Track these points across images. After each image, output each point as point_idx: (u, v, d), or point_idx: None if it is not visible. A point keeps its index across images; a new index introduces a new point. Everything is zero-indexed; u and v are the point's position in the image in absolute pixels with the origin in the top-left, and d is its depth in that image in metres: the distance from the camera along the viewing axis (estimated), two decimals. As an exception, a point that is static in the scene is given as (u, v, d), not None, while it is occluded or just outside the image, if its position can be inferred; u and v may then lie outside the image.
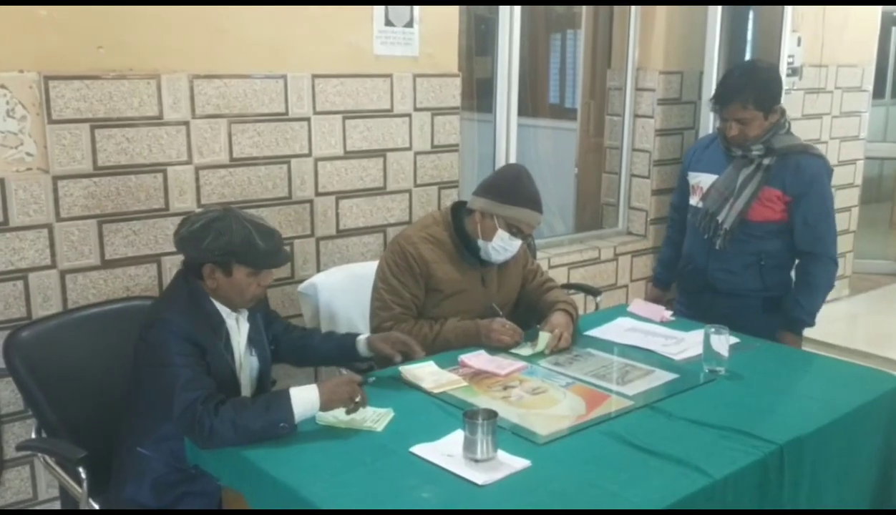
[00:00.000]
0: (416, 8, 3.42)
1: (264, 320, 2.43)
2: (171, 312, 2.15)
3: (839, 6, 5.38)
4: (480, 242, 2.70)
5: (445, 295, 2.70)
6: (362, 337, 2.45)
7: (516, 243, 2.70)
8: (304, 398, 2.01)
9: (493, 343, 2.60)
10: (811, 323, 2.94)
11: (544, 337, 2.59)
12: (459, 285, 2.72)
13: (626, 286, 4.56)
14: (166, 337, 2.10)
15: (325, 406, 2.04)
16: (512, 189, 2.67)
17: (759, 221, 2.94)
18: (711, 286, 3.02)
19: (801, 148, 2.99)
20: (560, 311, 2.73)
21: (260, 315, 2.40)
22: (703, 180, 3.07)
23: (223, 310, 2.24)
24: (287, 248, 3.17)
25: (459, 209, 2.80)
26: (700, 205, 3.06)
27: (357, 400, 2.06)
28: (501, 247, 2.68)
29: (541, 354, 2.57)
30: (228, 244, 2.14)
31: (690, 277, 3.07)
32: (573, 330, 2.70)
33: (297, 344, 2.50)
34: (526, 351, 2.59)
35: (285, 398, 2.00)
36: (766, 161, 2.91)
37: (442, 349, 2.60)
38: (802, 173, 2.91)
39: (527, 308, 2.89)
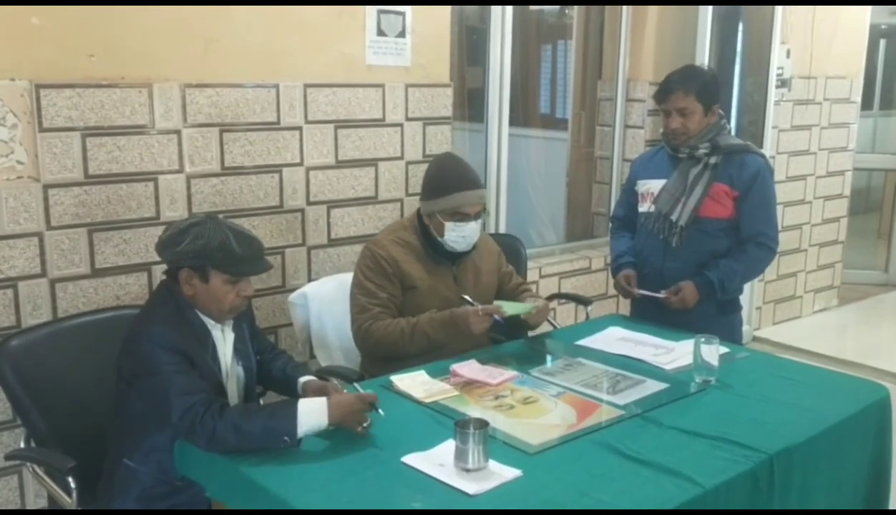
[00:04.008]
0: (409, 18, 3.44)
1: (249, 332, 2.41)
2: (157, 324, 2.12)
3: (827, 18, 5.42)
4: (441, 240, 2.75)
5: (421, 293, 2.73)
6: (303, 379, 2.36)
7: (468, 226, 2.72)
8: (312, 413, 1.98)
9: (474, 331, 2.60)
10: (718, 291, 2.98)
11: (525, 306, 2.70)
12: (433, 283, 2.75)
13: (616, 296, 4.56)
14: (154, 348, 2.07)
15: (333, 425, 2.01)
16: (438, 181, 2.73)
17: (711, 218, 3.01)
18: (668, 289, 3.04)
19: (743, 147, 3.11)
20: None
21: (246, 326, 2.38)
22: (652, 186, 3.13)
23: (208, 322, 2.22)
24: (275, 258, 3.21)
25: None
26: (652, 209, 3.11)
27: (366, 425, 2.03)
28: (456, 236, 2.72)
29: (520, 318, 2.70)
30: (204, 248, 2.12)
31: (647, 281, 3.11)
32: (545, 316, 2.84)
33: (263, 366, 2.45)
34: (513, 309, 2.66)
35: (292, 410, 1.98)
36: (712, 160, 3.01)
37: (421, 342, 2.63)
38: (747, 169, 3.01)
39: None
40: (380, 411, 2.08)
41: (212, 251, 2.12)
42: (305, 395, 2.26)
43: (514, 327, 2.84)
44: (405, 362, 2.59)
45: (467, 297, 2.73)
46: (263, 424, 1.96)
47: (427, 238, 2.78)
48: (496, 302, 2.66)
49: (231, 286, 2.17)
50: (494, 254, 2.98)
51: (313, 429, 1.98)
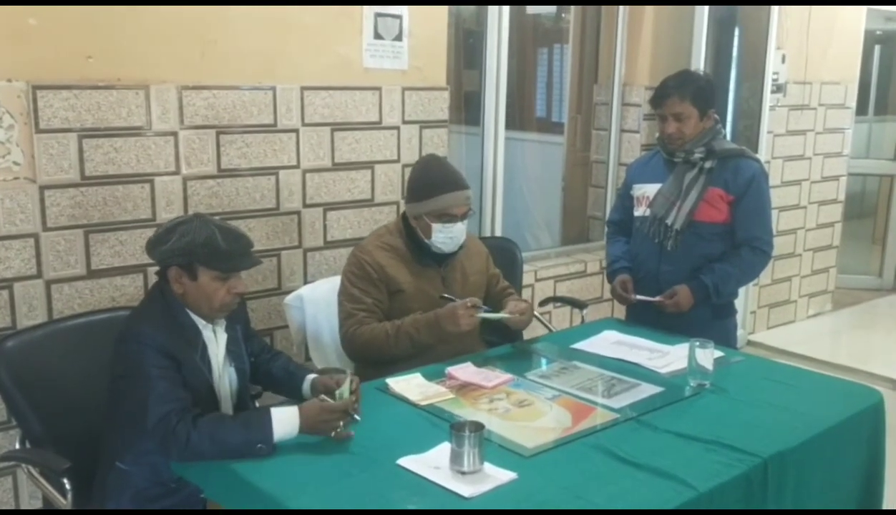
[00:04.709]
0: (406, 21, 3.45)
1: (244, 333, 2.40)
2: (146, 325, 2.13)
3: (823, 23, 5.44)
4: (428, 242, 2.75)
5: (408, 296, 2.73)
6: (310, 377, 2.35)
7: (456, 227, 2.73)
8: (285, 421, 2.00)
9: (462, 327, 2.58)
10: (713, 295, 3.00)
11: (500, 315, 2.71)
12: (419, 285, 2.75)
13: (611, 299, 4.57)
14: (141, 350, 2.07)
15: (305, 432, 2.02)
16: (423, 183, 2.73)
17: (706, 222, 3.02)
18: (663, 292, 3.05)
19: (739, 151, 3.12)
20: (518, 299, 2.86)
21: (240, 327, 2.38)
22: (648, 190, 3.14)
23: (199, 322, 2.22)
24: (271, 260, 3.22)
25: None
26: (647, 213, 3.12)
27: (338, 430, 2.04)
28: (444, 237, 2.73)
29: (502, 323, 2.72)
30: (190, 244, 2.11)
31: (642, 285, 3.12)
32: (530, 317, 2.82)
33: (261, 366, 2.45)
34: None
35: (266, 418, 1.99)
36: (707, 164, 3.02)
37: (405, 344, 2.62)
38: (742, 174, 3.02)
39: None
40: (356, 416, 2.09)
41: (197, 247, 2.12)
42: (314, 392, 2.27)
43: (506, 330, 2.84)
44: (398, 366, 2.59)
45: (447, 296, 2.72)
46: (239, 432, 1.97)
47: (413, 240, 2.78)
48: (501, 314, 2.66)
49: (221, 283, 2.17)
50: (482, 255, 2.98)
51: (286, 437, 1.99)
